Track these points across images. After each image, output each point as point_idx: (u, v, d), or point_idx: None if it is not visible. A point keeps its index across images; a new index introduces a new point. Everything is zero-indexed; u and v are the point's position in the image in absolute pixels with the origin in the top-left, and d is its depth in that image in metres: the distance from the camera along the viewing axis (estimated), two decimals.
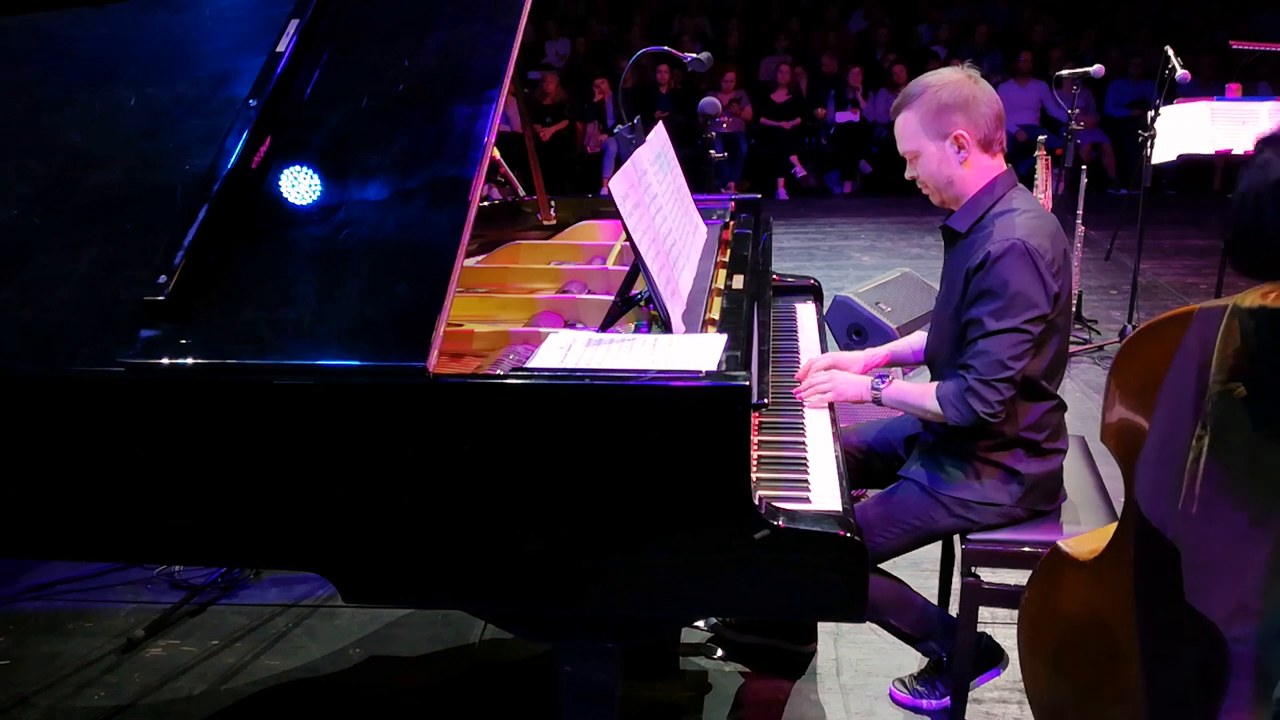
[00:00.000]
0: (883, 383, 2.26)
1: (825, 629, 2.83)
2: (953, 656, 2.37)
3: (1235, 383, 1.39)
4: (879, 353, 2.58)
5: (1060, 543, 1.92)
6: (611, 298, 2.19)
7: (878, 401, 2.26)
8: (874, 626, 2.48)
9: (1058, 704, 1.98)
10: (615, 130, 2.70)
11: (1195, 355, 1.47)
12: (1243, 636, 1.42)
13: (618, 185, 1.95)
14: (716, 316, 2.15)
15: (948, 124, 2.16)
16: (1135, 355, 1.65)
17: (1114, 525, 1.82)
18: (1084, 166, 5.35)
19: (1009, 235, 2.09)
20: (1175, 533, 1.56)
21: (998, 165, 2.22)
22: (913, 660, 2.61)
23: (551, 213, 3.03)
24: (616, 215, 1.92)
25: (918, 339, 2.56)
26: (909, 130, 2.21)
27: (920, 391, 2.20)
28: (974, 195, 2.21)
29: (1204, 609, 1.51)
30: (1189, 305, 1.53)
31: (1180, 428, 1.50)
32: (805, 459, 2.05)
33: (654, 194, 2.20)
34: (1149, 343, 1.62)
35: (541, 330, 2.12)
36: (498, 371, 1.84)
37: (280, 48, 2.08)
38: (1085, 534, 2.01)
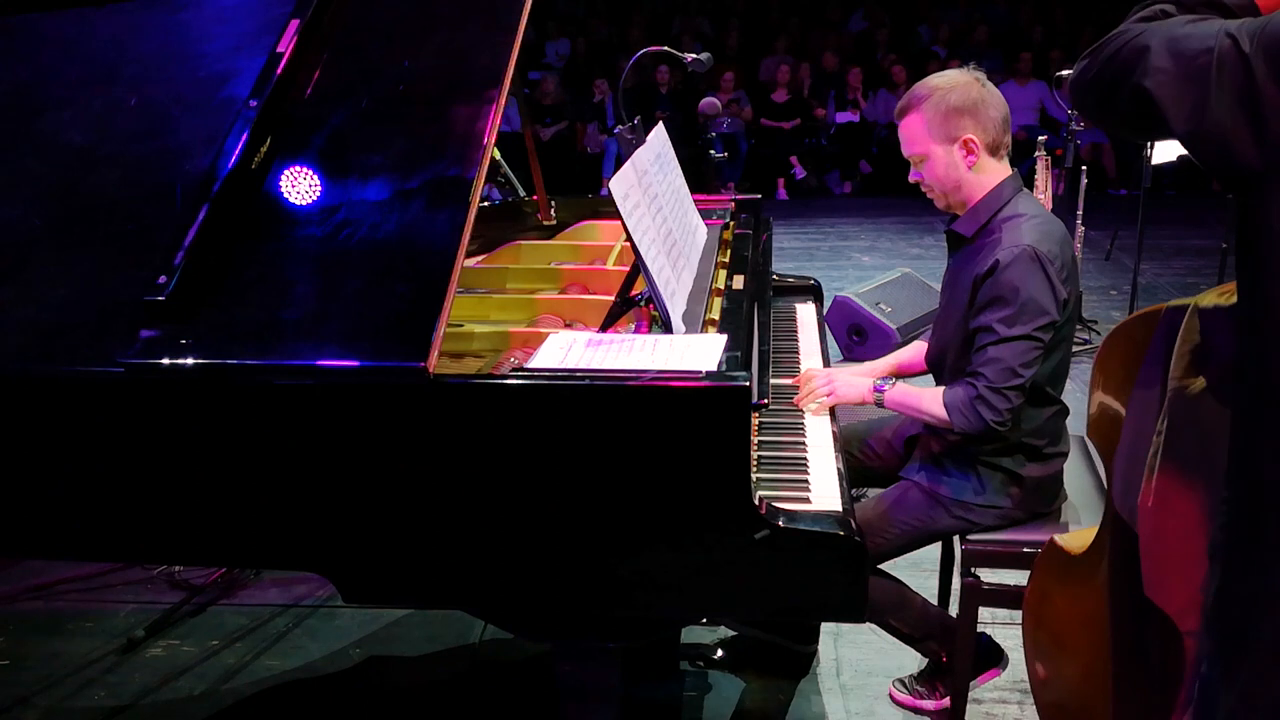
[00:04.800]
0: (885, 383, 2.26)
1: (825, 629, 2.83)
2: (953, 656, 2.37)
3: (1190, 379, 1.41)
4: (880, 365, 2.56)
5: (1056, 537, 1.93)
6: (611, 298, 2.19)
7: (879, 404, 2.25)
8: (874, 626, 2.48)
9: (1059, 702, 1.99)
10: (615, 130, 2.70)
11: (1161, 353, 1.49)
12: (1197, 631, 1.43)
13: (618, 185, 1.95)
14: (716, 316, 2.15)
15: (956, 128, 2.14)
16: (1112, 353, 1.67)
17: None
18: (1084, 167, 5.35)
19: (1019, 241, 2.08)
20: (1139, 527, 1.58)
21: (1004, 169, 2.21)
22: (913, 660, 2.61)
23: (551, 213, 3.03)
24: (616, 215, 1.92)
25: (917, 349, 2.55)
26: (916, 133, 2.19)
27: (925, 396, 2.19)
28: (980, 200, 2.20)
29: (1160, 602, 1.52)
30: (1160, 304, 1.55)
31: (1147, 424, 1.52)
32: (805, 459, 2.05)
33: (654, 194, 2.20)
34: (1123, 340, 1.64)
35: (542, 330, 2.12)
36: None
37: (280, 48, 2.08)
38: (1080, 530, 2.02)
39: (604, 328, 2.07)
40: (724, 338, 1.82)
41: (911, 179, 2.26)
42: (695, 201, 2.64)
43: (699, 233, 2.57)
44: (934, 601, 2.60)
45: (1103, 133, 9.32)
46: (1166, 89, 1.19)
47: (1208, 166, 1.22)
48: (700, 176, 3.22)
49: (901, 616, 2.40)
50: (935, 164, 2.19)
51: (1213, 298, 1.41)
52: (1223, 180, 1.24)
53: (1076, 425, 2.35)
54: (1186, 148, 1.22)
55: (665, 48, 3.24)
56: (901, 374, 2.51)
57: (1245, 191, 1.21)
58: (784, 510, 1.70)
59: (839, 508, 1.84)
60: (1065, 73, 5.14)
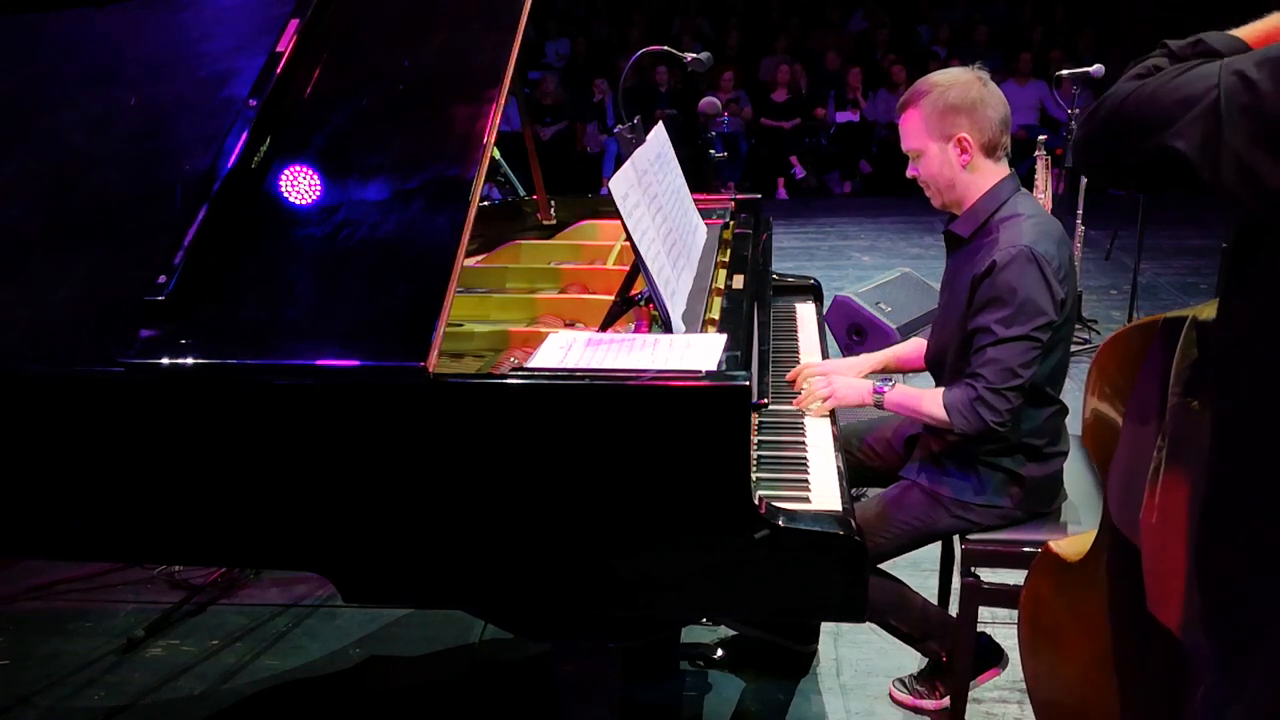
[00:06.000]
0: (885, 385, 2.26)
1: (825, 629, 2.83)
2: (953, 656, 2.37)
3: (1191, 397, 1.40)
4: (876, 358, 2.56)
5: (1051, 543, 1.92)
6: (611, 298, 2.19)
7: (879, 405, 2.25)
8: (874, 626, 2.48)
9: (1056, 701, 1.99)
10: (615, 130, 2.70)
11: (1158, 366, 1.48)
12: (1200, 644, 1.42)
13: (618, 185, 1.95)
14: (716, 316, 2.15)
15: (952, 126, 2.15)
16: (1108, 361, 1.67)
17: None
18: None
19: (1015, 242, 2.08)
20: (1139, 541, 1.57)
21: (1001, 170, 2.21)
22: (913, 660, 2.61)
23: (551, 213, 3.04)
24: (616, 215, 1.92)
25: (916, 344, 2.55)
26: (912, 129, 2.20)
27: (925, 397, 2.19)
28: (977, 200, 2.20)
29: (1163, 618, 1.51)
30: (1157, 315, 1.54)
31: (1145, 438, 1.51)
32: (805, 459, 2.05)
33: (654, 194, 2.20)
34: (1120, 348, 1.63)
35: (542, 330, 2.12)
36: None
37: (280, 48, 2.08)
38: (1076, 535, 2.02)
39: (604, 327, 2.07)
40: (724, 337, 1.82)
41: (909, 174, 2.27)
42: (695, 201, 2.65)
43: (699, 232, 2.57)
44: (934, 601, 2.60)
45: None
46: (1186, 139, 1.16)
47: (1240, 201, 1.17)
48: (700, 176, 3.23)
49: (901, 616, 2.40)
50: (930, 161, 2.19)
51: (1211, 311, 1.40)
52: (1260, 213, 1.19)
53: (1076, 425, 2.35)
54: (1214, 191, 1.18)
55: (665, 48, 3.24)
56: (898, 368, 2.52)
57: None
58: (784, 510, 1.69)
59: (839, 507, 1.84)
60: (1065, 72, 5.13)
